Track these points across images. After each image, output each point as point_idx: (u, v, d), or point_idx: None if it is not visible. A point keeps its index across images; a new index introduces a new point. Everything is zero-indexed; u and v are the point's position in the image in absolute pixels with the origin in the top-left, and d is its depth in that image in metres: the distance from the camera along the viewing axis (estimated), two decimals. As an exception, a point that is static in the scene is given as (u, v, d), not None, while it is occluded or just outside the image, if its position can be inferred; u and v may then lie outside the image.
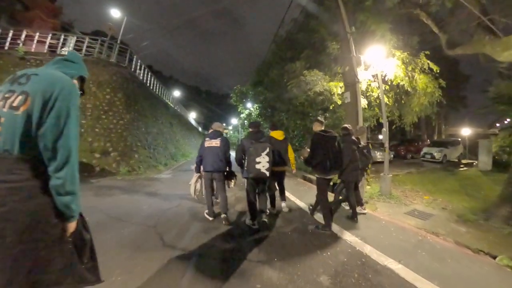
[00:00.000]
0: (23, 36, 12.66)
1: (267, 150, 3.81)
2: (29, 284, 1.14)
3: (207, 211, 4.61)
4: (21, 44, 12.29)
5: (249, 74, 18.71)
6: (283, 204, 5.11)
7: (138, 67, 15.87)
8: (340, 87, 8.73)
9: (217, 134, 4.46)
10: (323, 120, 4.37)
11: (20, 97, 1.17)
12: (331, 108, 9.84)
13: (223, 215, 4.37)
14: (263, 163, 3.75)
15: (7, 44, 12.23)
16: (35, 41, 12.79)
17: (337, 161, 3.95)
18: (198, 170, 4.58)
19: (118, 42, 14.30)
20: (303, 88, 9.62)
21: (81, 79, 1.58)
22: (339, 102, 9.05)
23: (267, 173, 3.79)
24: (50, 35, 13.34)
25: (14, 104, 1.16)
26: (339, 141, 4.13)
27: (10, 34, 12.46)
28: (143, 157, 11.48)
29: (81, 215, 1.43)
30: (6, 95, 1.20)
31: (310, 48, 10.80)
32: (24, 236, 1.13)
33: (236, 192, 6.51)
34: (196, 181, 4.77)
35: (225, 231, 3.95)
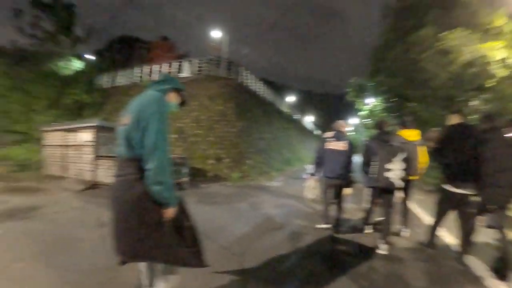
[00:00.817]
0: (147, 71, 16.88)
1: (402, 155, 3.33)
2: (135, 251, 1.60)
3: (322, 225, 4.27)
4: (146, 77, 16.27)
5: (364, 67, 16.43)
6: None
7: (247, 78, 16.79)
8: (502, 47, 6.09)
9: (341, 135, 4.05)
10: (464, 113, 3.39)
11: (126, 117, 1.69)
12: (488, 85, 7.09)
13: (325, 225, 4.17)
14: (395, 170, 3.30)
15: (139, 78, 16.84)
16: (157, 72, 16.37)
17: (469, 169, 2.86)
18: (315, 173, 4.25)
19: (223, 58, 15.74)
20: (441, 62, 7.32)
21: (178, 91, 1.98)
22: (502, 74, 6.39)
23: (399, 183, 3.35)
24: (166, 65, 16.72)
25: (123, 122, 1.69)
26: (478, 138, 2.90)
27: (140, 71, 17.17)
28: (255, 162, 11.74)
29: (181, 204, 1.80)
30: (121, 118, 1.75)
31: (438, 6, 8.28)
32: (130, 216, 1.57)
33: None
34: (312, 185, 4.47)
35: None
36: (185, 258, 1.75)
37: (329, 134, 4.19)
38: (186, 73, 15.63)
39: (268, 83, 23.36)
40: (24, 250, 3.37)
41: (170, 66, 16.43)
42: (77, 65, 20.38)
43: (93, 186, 7.77)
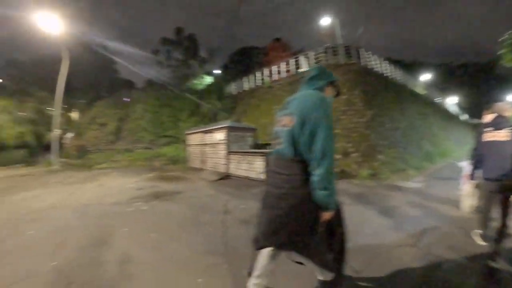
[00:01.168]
0: (267, 73, 18.00)
1: None
2: (290, 242, 1.68)
3: (479, 234, 3.24)
4: (267, 79, 17.75)
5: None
6: None
7: (370, 60, 15.04)
8: None
9: (504, 122, 3.02)
10: None
11: (287, 117, 1.72)
12: None
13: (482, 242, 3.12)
14: None
15: (261, 81, 18.36)
16: (276, 72, 17.23)
17: None
18: (473, 175, 3.30)
19: (338, 44, 14.63)
20: None
21: (332, 83, 1.96)
22: None
23: None
24: (283, 63, 16.99)
25: (285, 123, 1.73)
26: None
27: (261, 75, 18.46)
28: (388, 158, 10.02)
29: (339, 210, 1.89)
30: (280, 119, 1.81)
31: None
32: (290, 212, 1.65)
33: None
34: (471, 192, 3.59)
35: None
36: (328, 262, 1.81)
37: (487, 119, 3.20)
38: (304, 67, 15.39)
39: (395, 62, 20.53)
40: (159, 224, 4.27)
41: (287, 64, 16.63)
42: (208, 80, 25.51)
43: (225, 177, 9.03)
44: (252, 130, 10.45)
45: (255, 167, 8.10)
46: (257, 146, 9.95)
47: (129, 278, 2.59)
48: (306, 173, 1.64)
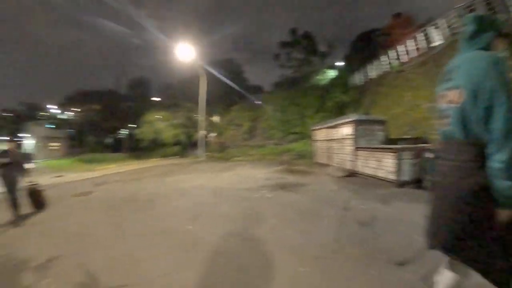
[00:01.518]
0: (393, 55, 16.33)
1: None
2: (449, 245, 1.42)
3: None
4: (395, 62, 16.01)
5: None
6: None
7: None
8: None
9: None
10: None
11: (453, 92, 1.42)
12: None
13: None
14: None
15: (388, 65, 16.72)
16: (403, 53, 15.48)
17: None
18: None
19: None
20: None
21: (501, 34, 1.51)
22: None
23: None
24: (410, 40, 14.94)
25: (451, 99, 1.43)
26: None
27: (387, 58, 16.93)
28: None
29: None
30: (443, 94, 1.51)
31: None
32: (457, 207, 1.37)
33: None
34: None
35: None
36: (500, 274, 1.37)
37: None
38: (437, 40, 12.94)
39: None
40: (280, 211, 4.61)
41: (415, 41, 14.53)
42: (331, 74, 25.00)
43: (351, 174, 8.56)
44: (382, 122, 9.42)
45: (384, 165, 7.24)
46: (388, 141, 8.98)
47: (237, 250, 3.08)
48: (481, 159, 1.33)
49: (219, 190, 6.70)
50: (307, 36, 27.84)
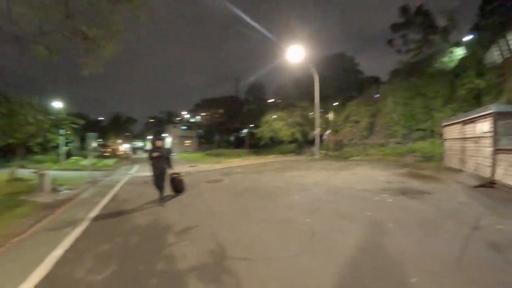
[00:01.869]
0: None
1: None
2: None
3: None
4: None
5: None
6: None
7: None
8: None
9: None
10: None
11: None
12: None
13: None
14: None
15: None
16: None
17: None
18: None
19: None
20: None
21: None
22: None
23: None
24: None
25: None
26: None
27: None
28: None
29: None
30: None
31: None
32: None
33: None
34: None
35: None
36: None
37: None
38: None
39: None
40: (399, 218, 4.61)
41: None
42: (458, 52, 20.39)
43: (489, 184, 6.97)
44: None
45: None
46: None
47: (351, 247, 3.46)
48: None
49: (336, 189, 7.36)
50: (421, 12, 24.06)
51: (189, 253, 3.54)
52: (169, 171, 7.37)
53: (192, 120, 69.41)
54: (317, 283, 2.66)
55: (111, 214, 6.05)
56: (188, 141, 58.08)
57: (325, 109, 28.05)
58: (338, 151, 20.19)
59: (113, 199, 7.82)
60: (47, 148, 18.28)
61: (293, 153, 27.28)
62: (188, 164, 20.11)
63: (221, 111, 53.97)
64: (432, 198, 6.02)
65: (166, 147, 7.65)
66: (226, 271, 3.01)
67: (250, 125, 45.37)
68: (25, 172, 14.11)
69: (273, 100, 43.69)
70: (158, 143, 7.28)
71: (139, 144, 72.72)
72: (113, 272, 3.10)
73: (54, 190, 9.49)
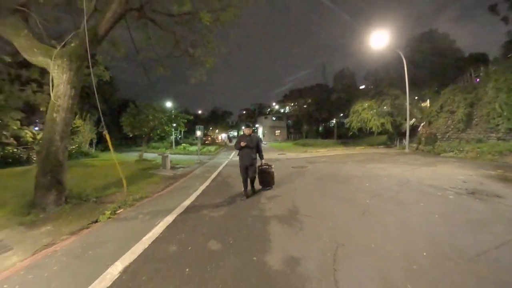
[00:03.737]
0: None
1: None
2: None
3: None
4: None
5: None
6: None
7: None
8: None
9: None
10: None
11: None
12: None
13: None
14: None
15: None
16: None
17: None
18: None
19: None
20: None
21: None
22: None
23: None
24: None
25: None
26: None
27: None
28: None
29: None
30: None
31: None
32: None
33: None
34: None
35: None
36: None
37: None
38: None
39: None
40: (450, 217, 4.83)
41: None
42: None
43: None
44: None
45: None
46: None
47: (376, 225, 4.50)
48: None
49: (405, 181, 8.31)
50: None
51: (273, 209, 5.88)
52: (260, 163, 7.55)
53: (281, 110, 73.73)
54: (351, 235, 4.23)
55: (219, 184, 9.11)
56: (278, 131, 64.43)
57: (419, 97, 26.40)
58: (430, 145, 18.88)
59: (218, 175, 11.17)
60: (162, 137, 23.46)
61: (383, 145, 26.93)
62: (277, 152, 24.18)
63: (309, 100, 55.16)
64: (500, 202, 5.69)
65: (255, 136, 7.34)
66: (295, 220, 5.08)
67: (339, 115, 45.43)
68: (148, 155, 20.56)
69: (363, 87, 42.10)
70: (247, 130, 7.17)
71: (234, 133, 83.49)
72: (223, 214, 5.68)
73: (173, 167, 13.59)
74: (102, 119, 7.03)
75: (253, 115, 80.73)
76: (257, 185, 7.75)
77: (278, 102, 75.79)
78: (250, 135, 7.08)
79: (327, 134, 50.82)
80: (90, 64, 6.84)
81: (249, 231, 4.61)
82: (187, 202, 6.73)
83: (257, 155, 7.18)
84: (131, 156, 21.35)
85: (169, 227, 4.93)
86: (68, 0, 8.21)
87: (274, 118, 67.72)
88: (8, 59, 9.36)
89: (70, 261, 3.73)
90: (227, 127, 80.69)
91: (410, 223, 4.66)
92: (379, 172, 10.03)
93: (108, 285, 3.06)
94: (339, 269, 3.19)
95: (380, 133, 27.09)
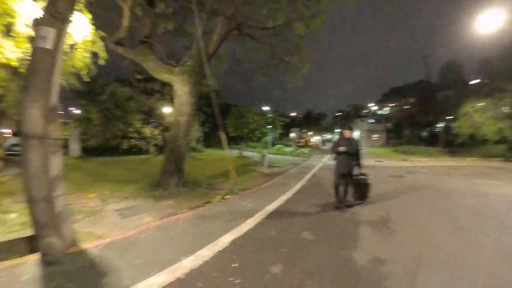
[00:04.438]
0: None
1: None
2: None
3: None
4: None
5: None
6: None
7: None
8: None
9: None
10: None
11: None
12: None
13: None
14: None
15: None
16: None
17: None
18: None
19: None
20: None
21: None
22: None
23: None
24: None
25: None
26: None
27: None
28: None
29: None
30: None
31: None
32: None
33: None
34: None
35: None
36: None
37: None
38: None
39: None
40: None
41: None
42: None
43: None
44: None
45: None
46: None
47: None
48: None
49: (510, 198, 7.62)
50: None
51: (366, 214, 6.09)
52: (357, 173, 6.54)
53: (380, 112, 67.98)
54: (439, 248, 4.25)
55: (313, 185, 9.92)
56: (375, 135, 58.92)
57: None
58: None
59: (313, 176, 12.05)
60: (259, 137, 25.78)
61: (500, 157, 21.03)
62: (374, 159, 23.26)
63: (411, 100, 48.51)
64: None
65: (355, 140, 6.51)
66: (386, 227, 5.27)
67: (447, 118, 38.67)
68: (246, 153, 23.08)
69: (477, 81, 31.18)
70: (347, 133, 6.31)
71: (328, 136, 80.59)
72: (317, 211, 6.34)
73: (270, 166, 15.15)
74: (219, 123, 9.02)
75: (348, 117, 75.91)
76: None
77: (376, 103, 69.39)
78: (349, 138, 6.29)
79: (432, 140, 42.51)
80: (208, 77, 8.89)
81: (340, 230, 5.07)
82: (284, 197, 7.67)
83: (356, 162, 6.43)
84: (231, 153, 24.67)
85: (268, 216, 5.88)
86: (179, 28, 10.63)
87: (371, 121, 63.52)
88: (140, 76, 12.32)
89: (189, 228, 5.13)
90: (320, 130, 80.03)
91: (510, 250, 4.21)
92: (488, 190, 8.93)
93: (220, 249, 4.07)
94: (420, 275, 3.37)
95: (497, 142, 22.08)
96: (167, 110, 22.35)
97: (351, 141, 6.19)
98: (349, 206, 6.50)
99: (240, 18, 10.14)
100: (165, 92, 21.05)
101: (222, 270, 3.48)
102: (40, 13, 4.21)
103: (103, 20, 8.00)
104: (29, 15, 4.71)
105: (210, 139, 35.63)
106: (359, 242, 4.45)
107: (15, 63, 5.06)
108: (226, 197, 7.58)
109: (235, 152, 23.12)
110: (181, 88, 8.67)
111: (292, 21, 10.10)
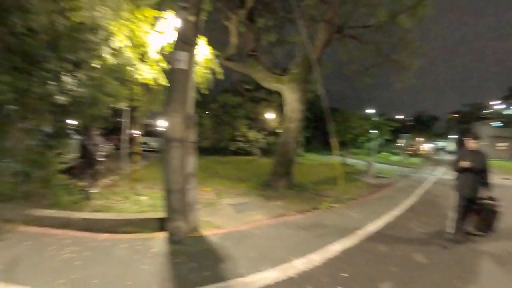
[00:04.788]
0: None
1: None
2: None
3: None
4: None
5: None
6: None
7: None
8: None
9: None
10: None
11: None
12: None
13: None
14: None
15: None
16: None
17: None
18: None
19: None
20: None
21: None
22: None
23: None
24: None
25: None
26: None
27: None
28: None
29: None
30: None
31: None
32: None
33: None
34: None
35: None
36: None
37: None
38: None
39: None
40: None
41: None
42: None
43: None
44: None
45: None
46: None
47: None
48: None
49: None
50: None
51: (490, 245, 5.02)
52: (484, 196, 4.81)
53: (507, 112, 51.59)
54: None
55: (426, 202, 8.70)
56: (502, 144, 43.24)
57: None
58: None
59: (426, 192, 10.40)
60: (362, 143, 24.58)
61: None
62: (500, 175, 16.08)
63: None
64: None
65: (482, 153, 4.90)
66: None
67: None
68: (348, 160, 21.71)
69: None
70: (471, 143, 4.93)
71: (441, 144, 66.84)
72: (430, 232, 5.74)
73: (376, 176, 13.90)
74: (329, 130, 8.54)
75: (467, 120, 59.72)
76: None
77: (502, 99, 53.22)
78: (475, 150, 4.88)
79: None
80: (318, 84, 8.79)
81: (457, 257, 4.52)
82: (394, 213, 7.10)
83: (483, 183, 4.85)
84: (331, 159, 23.56)
85: (378, 231, 5.61)
86: (279, 38, 11.08)
87: (496, 124, 47.23)
88: (249, 87, 13.32)
89: (299, 231, 5.29)
90: (431, 135, 65.63)
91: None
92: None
93: (330, 257, 4.12)
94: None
95: None
96: (270, 116, 23.75)
97: (477, 155, 4.74)
98: (467, 234, 5.15)
99: (339, 21, 9.84)
100: (272, 100, 22.39)
101: (331, 277, 3.53)
102: (167, 42, 5.65)
103: (213, 40, 9.04)
104: (157, 44, 5.83)
105: (310, 144, 35.55)
106: (479, 276, 3.94)
107: (151, 82, 6.14)
108: (333, 205, 7.47)
109: (337, 159, 22.62)
110: (291, 96, 9.07)
111: (395, 14, 9.11)
